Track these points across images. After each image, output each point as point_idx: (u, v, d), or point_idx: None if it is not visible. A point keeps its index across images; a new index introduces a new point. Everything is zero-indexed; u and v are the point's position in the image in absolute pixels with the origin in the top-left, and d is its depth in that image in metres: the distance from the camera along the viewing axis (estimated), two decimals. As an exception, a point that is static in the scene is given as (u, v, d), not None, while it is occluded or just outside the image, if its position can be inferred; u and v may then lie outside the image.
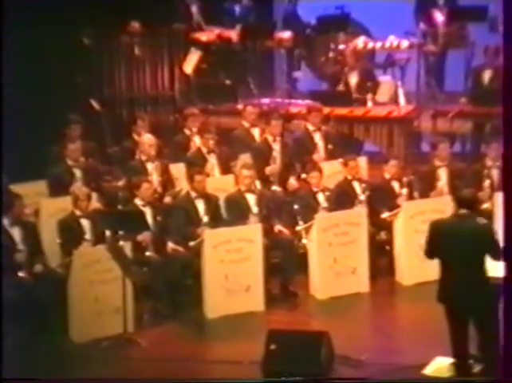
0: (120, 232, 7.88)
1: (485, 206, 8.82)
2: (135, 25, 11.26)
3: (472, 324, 6.26)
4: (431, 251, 6.35)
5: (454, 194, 6.35)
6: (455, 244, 6.19)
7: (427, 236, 6.36)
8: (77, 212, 8.08)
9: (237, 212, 8.49)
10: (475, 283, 6.18)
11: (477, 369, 6.46)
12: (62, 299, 7.59)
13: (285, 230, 8.51)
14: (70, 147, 9.11)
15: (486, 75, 10.59)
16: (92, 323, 7.60)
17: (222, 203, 8.58)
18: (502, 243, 6.24)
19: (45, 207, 8.60)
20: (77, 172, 9.03)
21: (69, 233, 7.99)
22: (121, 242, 7.76)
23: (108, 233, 7.99)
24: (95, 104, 11.09)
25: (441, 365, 6.76)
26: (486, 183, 8.93)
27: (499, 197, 8.65)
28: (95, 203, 8.53)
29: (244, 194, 8.56)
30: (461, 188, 8.48)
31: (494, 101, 10.15)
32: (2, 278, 7.37)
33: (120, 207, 8.70)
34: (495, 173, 9.05)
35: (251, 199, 8.56)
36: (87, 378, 6.93)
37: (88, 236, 8.02)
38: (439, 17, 11.31)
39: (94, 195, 8.56)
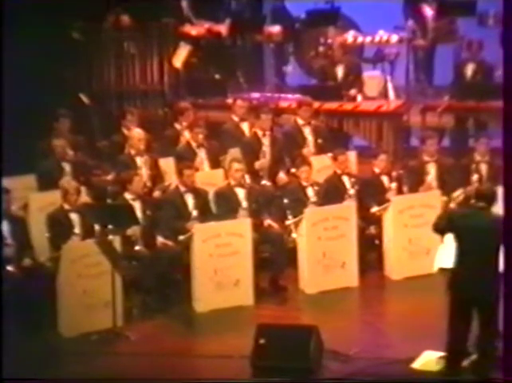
0: (110, 226, 7.86)
1: (473, 201, 8.84)
2: (125, 18, 11.23)
3: (477, 317, 6.28)
4: (441, 229, 6.43)
5: (443, 189, 6.43)
6: (473, 235, 6.25)
7: (444, 221, 6.41)
8: (66, 206, 8.06)
9: (226, 206, 8.49)
10: (488, 276, 6.23)
11: (465, 363, 6.48)
12: (51, 293, 7.57)
13: (275, 225, 8.51)
14: (58, 141, 9.10)
15: (469, 69, 10.62)
16: (81, 317, 7.59)
17: (211, 197, 8.58)
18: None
19: (33, 201, 8.58)
20: (66, 166, 9.01)
21: (58, 227, 7.97)
22: (110, 237, 7.75)
23: (97, 227, 7.98)
24: (84, 98, 11.07)
25: (429, 359, 6.79)
26: (475, 177, 8.94)
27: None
28: (84, 197, 8.51)
29: (234, 188, 8.56)
30: (451, 183, 8.57)
31: (477, 95, 10.21)
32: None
33: (109, 201, 8.68)
34: (484, 168, 9.07)
35: (241, 193, 8.56)
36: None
37: (77, 230, 8.00)
38: (429, 11, 11.32)
39: (83, 189, 8.54)
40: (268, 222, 8.52)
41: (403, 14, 11.38)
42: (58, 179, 8.56)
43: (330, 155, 9.22)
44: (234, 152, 9.37)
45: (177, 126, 9.86)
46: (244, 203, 8.52)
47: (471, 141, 10.22)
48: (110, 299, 7.54)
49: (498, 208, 6.33)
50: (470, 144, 10.30)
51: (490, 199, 6.36)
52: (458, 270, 6.31)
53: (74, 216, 8.03)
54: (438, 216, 6.55)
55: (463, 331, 6.29)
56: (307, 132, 9.81)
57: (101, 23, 11.11)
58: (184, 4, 11.65)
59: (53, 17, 10.32)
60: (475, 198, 6.40)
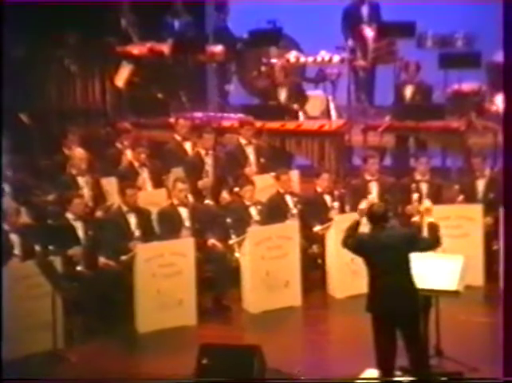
0: (50, 247, 7.77)
1: (414, 219, 8.95)
2: (68, 37, 11.15)
3: (400, 333, 6.36)
4: (349, 247, 6.50)
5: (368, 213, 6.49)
6: (381, 255, 6.33)
7: (354, 242, 6.46)
8: (6, 227, 7.94)
9: (169, 226, 8.46)
10: (403, 291, 6.32)
11: (406, 381, 6.53)
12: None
13: (218, 244, 8.49)
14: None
15: (408, 90, 10.79)
16: (21, 339, 7.46)
17: (154, 216, 8.54)
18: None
19: (-28, 221, 8.43)
20: (6, 187, 8.88)
21: (-2, 248, 7.85)
22: (51, 257, 7.65)
23: (37, 248, 7.87)
24: (24, 117, 10.94)
25: (371, 376, 6.82)
26: (415, 196, 9.06)
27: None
28: (24, 218, 8.40)
29: (177, 208, 8.53)
30: (390, 202, 8.67)
31: (416, 116, 10.40)
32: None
33: (50, 221, 8.58)
34: (424, 187, 9.20)
35: (184, 212, 8.54)
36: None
37: (17, 251, 7.89)
38: (369, 32, 11.48)
39: (23, 210, 8.43)
40: (211, 241, 8.50)
41: (343, 35, 11.51)
42: (-3, 199, 8.44)
43: (273, 174, 9.26)
44: (177, 172, 9.35)
45: (119, 145, 9.81)
46: (187, 223, 8.50)
47: (412, 160, 10.36)
48: (50, 321, 7.43)
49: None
50: (411, 163, 10.43)
51: (383, 216, 6.42)
52: (372, 291, 6.37)
53: (14, 237, 7.91)
54: (347, 233, 6.55)
55: (389, 349, 6.36)
56: (249, 151, 9.84)
57: (42, 41, 11.02)
58: (126, 23, 11.62)
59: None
60: (370, 221, 6.43)
